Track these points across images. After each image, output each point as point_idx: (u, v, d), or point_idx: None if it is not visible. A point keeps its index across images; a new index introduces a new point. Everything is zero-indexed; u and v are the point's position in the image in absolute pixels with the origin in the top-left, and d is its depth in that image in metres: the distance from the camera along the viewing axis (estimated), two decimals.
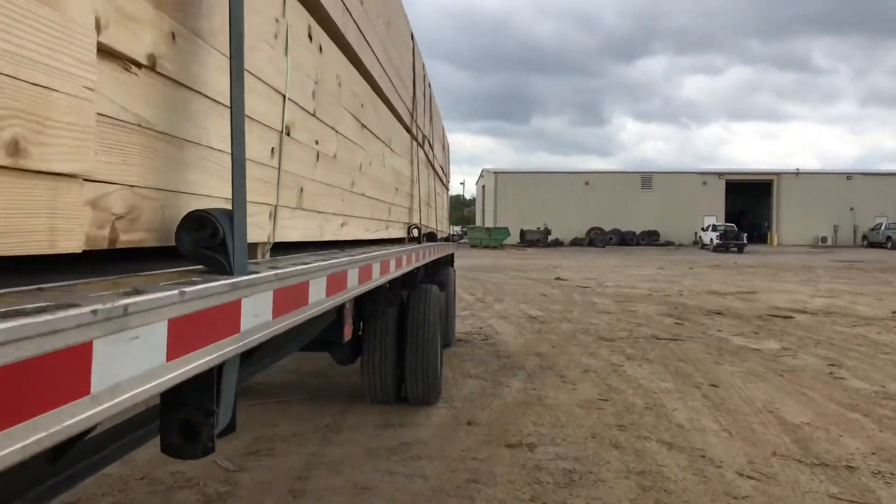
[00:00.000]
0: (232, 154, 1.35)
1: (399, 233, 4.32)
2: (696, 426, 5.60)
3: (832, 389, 6.93)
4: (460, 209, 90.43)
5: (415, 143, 4.82)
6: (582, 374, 7.61)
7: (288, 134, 1.97)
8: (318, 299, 1.78)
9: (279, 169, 1.89)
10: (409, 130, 4.58)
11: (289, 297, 1.54)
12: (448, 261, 9.03)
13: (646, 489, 4.21)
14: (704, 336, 10.37)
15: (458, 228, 64.31)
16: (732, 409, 6.16)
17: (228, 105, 1.39)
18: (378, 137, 3.37)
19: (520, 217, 58.48)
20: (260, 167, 1.76)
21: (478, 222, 67.54)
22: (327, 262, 1.86)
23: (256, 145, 1.72)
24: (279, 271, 1.49)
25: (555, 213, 59.47)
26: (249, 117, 1.57)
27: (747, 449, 5.01)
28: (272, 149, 1.85)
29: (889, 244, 51.91)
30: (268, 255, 1.85)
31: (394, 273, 3.20)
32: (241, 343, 1.29)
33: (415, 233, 4.72)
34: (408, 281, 5.14)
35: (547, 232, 56.19)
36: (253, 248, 1.74)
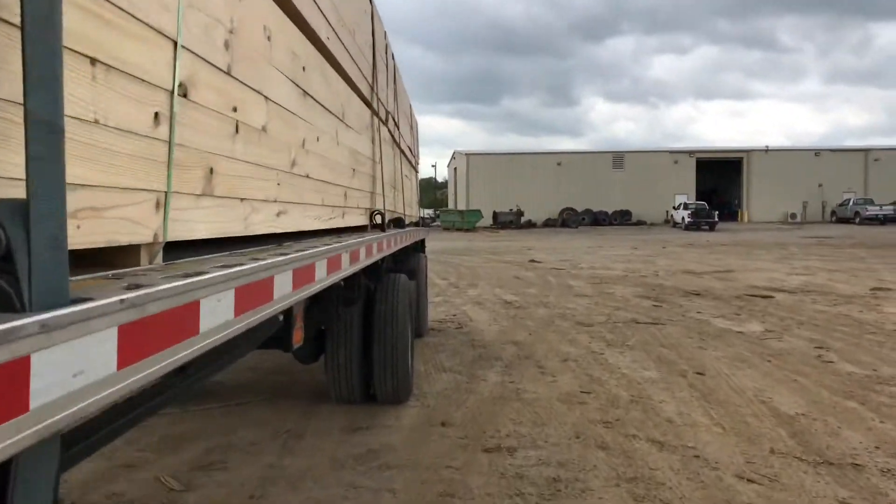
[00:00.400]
0: (26, 106, 0.83)
1: (359, 220, 3.84)
2: (687, 421, 5.22)
3: (822, 375, 6.61)
4: (432, 192, 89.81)
5: (376, 120, 4.31)
6: (561, 363, 7.22)
7: (185, 95, 1.47)
8: (218, 324, 1.27)
9: (170, 142, 1.39)
10: (368, 105, 4.07)
11: (157, 330, 1.03)
12: (419, 247, 8.56)
13: (639, 499, 3.80)
14: (685, 319, 10.05)
15: (430, 211, 63.77)
16: (722, 399, 5.80)
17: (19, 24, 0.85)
18: (328, 110, 2.87)
19: (492, 199, 58.11)
20: (133, 139, 1.26)
21: (450, 205, 67.08)
22: (239, 268, 1.36)
23: (124, 107, 1.22)
24: (141, 293, 0.97)
25: (527, 195, 59.18)
26: (101, 62, 1.09)
27: (744, 446, 4.63)
28: (155, 114, 1.35)
29: (857, 219, 52.51)
30: (159, 261, 1.36)
31: (348, 270, 2.73)
32: (35, 428, 0.78)
33: (378, 219, 4.22)
34: (373, 271, 4.66)
35: (520, 213, 55.90)
36: (132, 251, 1.26)
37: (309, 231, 2.67)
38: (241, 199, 1.87)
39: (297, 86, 2.40)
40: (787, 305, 11.34)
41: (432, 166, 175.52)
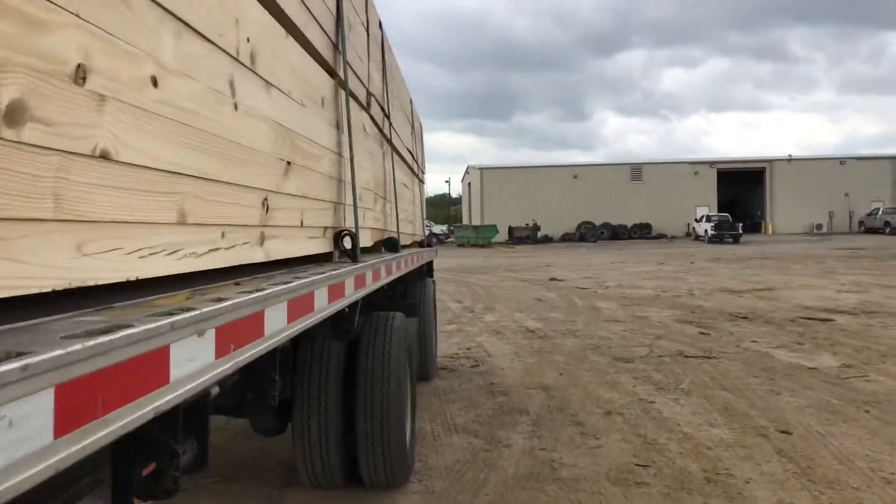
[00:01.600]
0: None
1: (310, 245, 2.45)
2: None
3: None
4: (446, 208, 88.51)
5: (349, 99, 2.91)
6: (604, 417, 5.74)
7: None
8: None
9: None
10: (327, 69, 2.69)
11: None
12: (424, 271, 7.12)
13: None
14: (740, 350, 8.53)
15: (444, 227, 62.35)
16: (830, 476, 4.30)
17: None
18: (198, 32, 1.48)
19: (507, 214, 56.60)
20: None
21: (464, 221, 65.67)
22: None
23: None
24: None
25: (543, 209, 57.63)
26: None
27: None
28: None
29: (887, 229, 50.46)
30: None
31: (225, 368, 1.32)
32: None
33: (347, 243, 2.81)
34: (353, 312, 3.24)
35: (536, 228, 54.37)
36: None
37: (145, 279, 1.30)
38: None
39: None
40: (854, 331, 9.78)
41: (446, 182, 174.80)
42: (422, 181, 8.01)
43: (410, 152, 6.10)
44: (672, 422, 5.57)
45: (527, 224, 54.74)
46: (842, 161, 60.73)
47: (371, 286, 2.97)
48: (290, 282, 1.71)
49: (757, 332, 9.82)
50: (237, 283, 1.68)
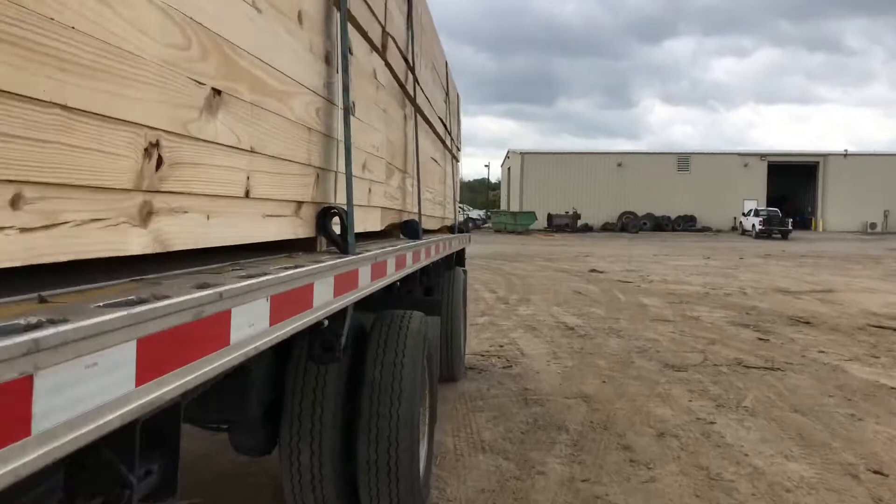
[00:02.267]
0: None
1: (278, 227, 1.66)
2: None
3: None
4: (485, 193, 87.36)
5: (346, 23, 2.07)
6: (656, 440, 4.90)
7: None
8: None
9: None
10: None
11: None
12: (454, 260, 6.31)
13: None
14: (807, 362, 7.57)
15: (481, 212, 61.28)
16: None
17: None
18: None
19: (547, 200, 55.27)
20: None
21: (503, 206, 64.57)
22: None
23: None
24: None
25: (584, 197, 56.13)
26: None
27: None
28: None
29: None
30: None
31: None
32: None
33: (336, 227, 1.99)
34: (340, 324, 2.45)
35: (576, 216, 53.03)
36: None
37: None
38: None
39: None
40: None
41: (485, 166, 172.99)
42: (456, 159, 7.16)
43: (443, 122, 5.27)
44: (738, 450, 4.70)
45: (566, 212, 53.44)
46: None
47: (369, 287, 2.17)
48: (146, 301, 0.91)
49: (823, 341, 8.82)
50: (42, 301, 0.92)
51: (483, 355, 7.61)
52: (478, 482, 4.11)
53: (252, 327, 1.23)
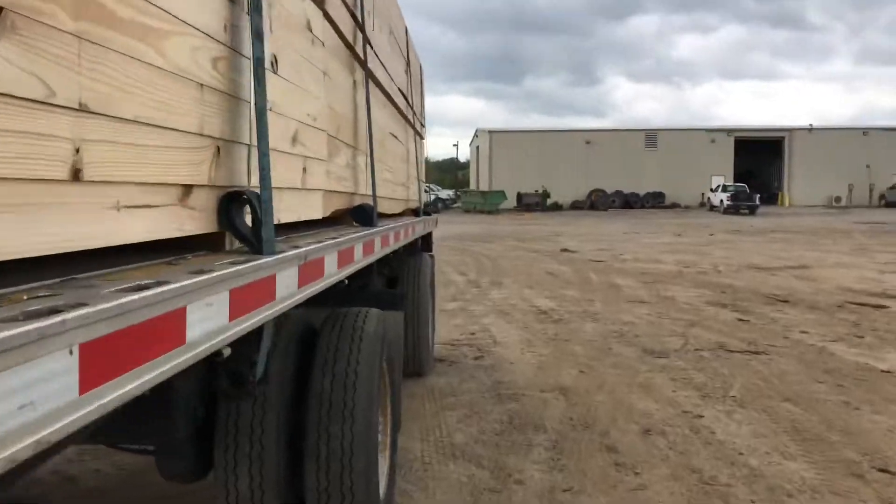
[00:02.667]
0: None
1: (149, 223, 1.15)
2: None
3: None
4: (454, 172, 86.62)
5: None
6: (642, 438, 4.51)
7: None
8: None
9: None
10: None
11: None
12: (419, 246, 5.81)
13: None
14: (790, 343, 7.26)
15: (450, 192, 60.68)
16: None
17: None
18: None
19: (516, 180, 54.85)
20: None
21: (472, 186, 64.05)
22: None
23: None
24: None
25: (553, 175, 55.79)
26: None
27: None
28: None
29: None
30: None
31: None
32: None
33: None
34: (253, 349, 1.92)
35: (546, 195, 52.77)
36: None
37: None
38: None
39: None
40: None
41: (454, 145, 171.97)
42: (420, 136, 6.63)
43: (403, 94, 4.72)
44: (731, 448, 4.33)
45: (536, 191, 53.16)
46: (865, 132, 58.64)
47: (296, 296, 1.66)
48: None
49: (803, 320, 8.54)
50: None
51: (453, 344, 7.16)
52: (448, 495, 3.67)
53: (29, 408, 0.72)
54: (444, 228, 15.72)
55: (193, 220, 1.41)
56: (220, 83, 1.50)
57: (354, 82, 3.01)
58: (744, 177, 56.24)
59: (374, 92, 3.45)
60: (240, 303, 1.28)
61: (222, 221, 1.51)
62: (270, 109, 1.74)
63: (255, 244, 1.52)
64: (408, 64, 5.14)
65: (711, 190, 51.19)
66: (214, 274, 1.18)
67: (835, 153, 56.77)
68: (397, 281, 5.17)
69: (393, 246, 3.46)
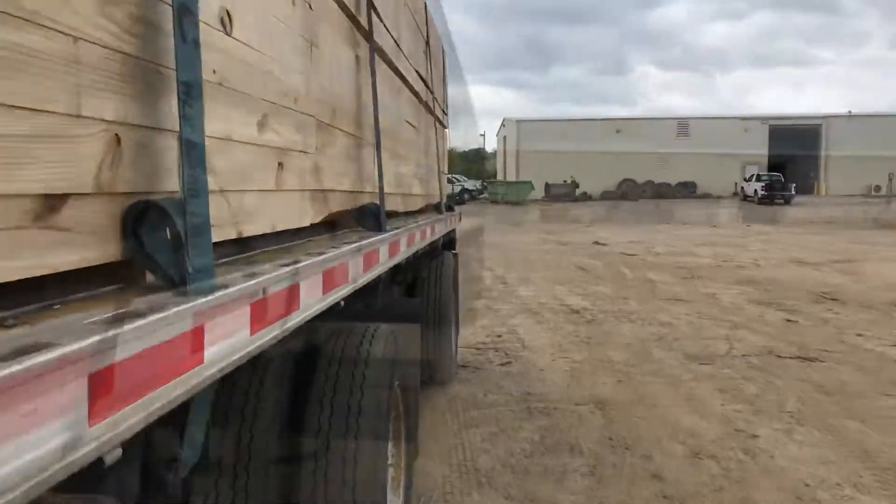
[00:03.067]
0: None
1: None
2: None
3: None
4: (481, 163, 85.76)
5: None
6: (691, 464, 3.99)
7: None
8: None
9: None
10: None
11: None
12: (440, 245, 5.33)
13: None
14: (847, 348, 6.66)
15: (477, 183, 59.99)
16: None
17: None
18: None
19: (545, 170, 53.94)
20: None
21: (499, 176, 63.30)
22: None
23: None
24: None
25: (583, 165, 54.76)
26: None
27: None
28: None
29: None
30: None
31: None
32: None
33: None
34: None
35: (574, 185, 51.86)
36: None
37: None
38: None
39: None
40: None
41: (481, 135, 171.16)
42: (442, 124, 6.14)
43: (421, 77, 4.23)
44: (794, 477, 3.79)
45: (564, 181, 52.27)
46: None
47: (237, 354, 1.14)
48: None
49: (858, 321, 7.91)
50: None
51: (479, 348, 6.68)
52: None
53: None
54: (469, 222, 15.19)
55: (71, 247, 0.94)
56: (115, 38, 1.02)
57: (357, 58, 2.53)
58: (779, 166, 54.76)
59: (384, 72, 2.97)
60: (105, 388, 0.78)
61: (127, 246, 1.04)
62: (220, 84, 1.27)
63: (173, 278, 1.05)
64: (426, 43, 4.64)
65: (745, 179, 49.92)
66: (57, 352, 0.69)
67: (874, 140, 54.90)
68: (415, 285, 4.69)
69: (405, 253, 2.98)
